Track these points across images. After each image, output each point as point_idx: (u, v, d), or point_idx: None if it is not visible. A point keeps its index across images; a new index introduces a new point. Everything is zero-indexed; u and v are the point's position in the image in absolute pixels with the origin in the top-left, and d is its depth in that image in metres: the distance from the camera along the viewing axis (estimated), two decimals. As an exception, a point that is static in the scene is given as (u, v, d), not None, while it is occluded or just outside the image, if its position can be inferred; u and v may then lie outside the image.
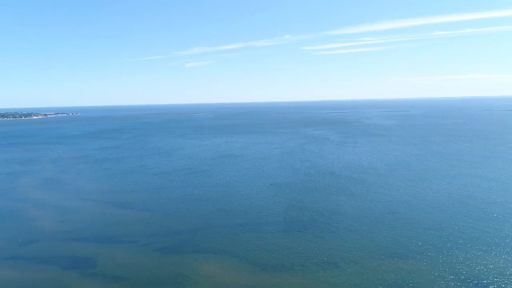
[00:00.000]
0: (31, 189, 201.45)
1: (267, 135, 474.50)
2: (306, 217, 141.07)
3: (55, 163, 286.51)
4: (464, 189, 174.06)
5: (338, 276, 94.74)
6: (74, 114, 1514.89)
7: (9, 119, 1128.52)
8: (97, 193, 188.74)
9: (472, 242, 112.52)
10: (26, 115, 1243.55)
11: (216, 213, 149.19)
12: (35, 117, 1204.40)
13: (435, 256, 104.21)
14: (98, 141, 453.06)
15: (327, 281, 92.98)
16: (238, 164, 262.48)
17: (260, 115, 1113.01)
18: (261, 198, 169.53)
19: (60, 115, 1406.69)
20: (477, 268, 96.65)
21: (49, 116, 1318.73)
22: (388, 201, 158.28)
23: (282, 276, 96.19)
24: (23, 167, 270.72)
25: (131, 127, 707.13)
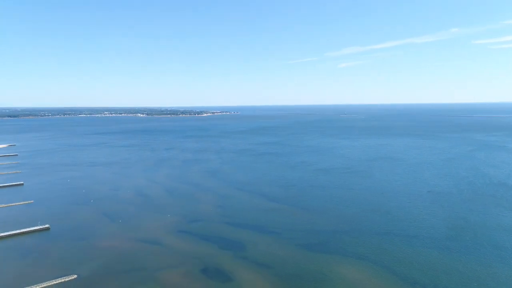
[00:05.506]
0: (199, 175, 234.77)
1: (428, 139, 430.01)
2: (469, 234, 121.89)
3: (220, 154, 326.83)
4: None
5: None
6: (236, 112, 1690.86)
7: (186, 115, 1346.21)
8: (253, 184, 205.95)
9: None
10: (199, 113, 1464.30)
11: (363, 217, 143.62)
12: (205, 115, 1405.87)
13: None
14: (259, 137, 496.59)
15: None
16: (392, 167, 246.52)
17: (418, 117, 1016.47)
18: (415, 207, 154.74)
19: (224, 113, 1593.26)
20: None
21: (216, 114, 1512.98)
22: None
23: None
24: (195, 156, 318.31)
25: (285, 125, 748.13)
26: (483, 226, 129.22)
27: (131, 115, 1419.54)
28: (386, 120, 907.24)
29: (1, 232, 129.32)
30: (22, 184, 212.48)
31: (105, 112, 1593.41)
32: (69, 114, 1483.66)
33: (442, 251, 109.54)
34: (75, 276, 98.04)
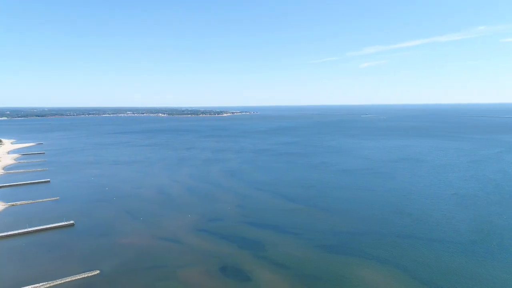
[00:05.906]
0: (219, 174, 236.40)
1: (452, 140, 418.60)
2: (495, 239, 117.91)
3: (240, 154, 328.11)
4: None
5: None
6: (256, 112, 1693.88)
7: (206, 115, 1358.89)
8: (273, 184, 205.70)
9: None
10: (219, 113, 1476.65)
11: (384, 219, 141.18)
12: (225, 114, 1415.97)
13: None
14: (278, 137, 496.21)
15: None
16: (415, 169, 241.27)
17: (442, 118, 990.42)
18: (439, 210, 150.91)
19: (244, 113, 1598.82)
20: None
21: (235, 114, 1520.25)
22: None
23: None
24: (215, 155, 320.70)
25: (306, 125, 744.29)
26: (510, 230, 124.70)
27: (153, 115, 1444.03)
28: (409, 120, 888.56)
29: (29, 227, 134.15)
30: (49, 181, 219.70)
31: (128, 112, 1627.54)
32: (93, 114, 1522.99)
33: (466, 256, 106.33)
34: (98, 271, 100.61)
